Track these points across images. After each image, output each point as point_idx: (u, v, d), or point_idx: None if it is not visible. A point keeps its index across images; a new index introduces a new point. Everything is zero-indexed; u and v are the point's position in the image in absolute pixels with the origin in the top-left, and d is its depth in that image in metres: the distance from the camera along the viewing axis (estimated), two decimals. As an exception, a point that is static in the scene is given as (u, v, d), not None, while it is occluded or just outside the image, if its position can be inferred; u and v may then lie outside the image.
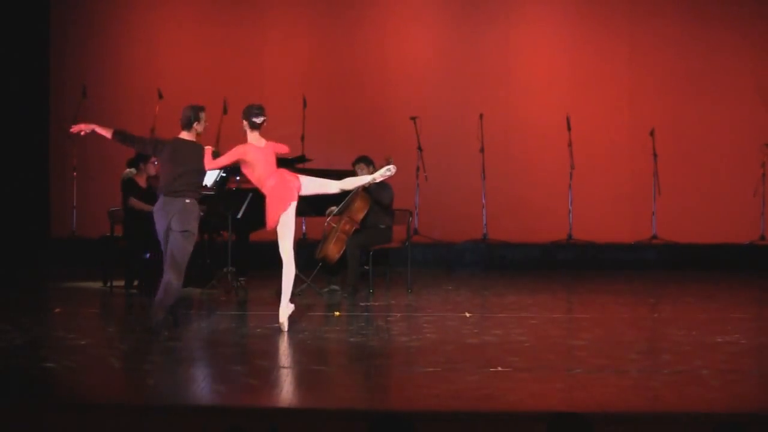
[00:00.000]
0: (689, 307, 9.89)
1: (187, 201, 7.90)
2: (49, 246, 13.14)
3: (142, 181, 10.44)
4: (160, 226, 7.93)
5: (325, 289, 10.34)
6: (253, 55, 13.81)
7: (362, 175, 10.31)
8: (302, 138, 12.95)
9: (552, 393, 6.23)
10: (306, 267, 10.32)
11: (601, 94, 13.70)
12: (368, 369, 7.06)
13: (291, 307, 8.16)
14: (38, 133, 13.51)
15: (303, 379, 6.79)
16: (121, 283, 10.47)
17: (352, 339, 8.00)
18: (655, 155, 13.16)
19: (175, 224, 7.85)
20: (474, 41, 13.81)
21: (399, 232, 10.84)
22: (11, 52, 13.21)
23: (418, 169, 13.14)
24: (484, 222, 13.34)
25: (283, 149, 8.31)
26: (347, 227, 10.03)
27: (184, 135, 8.04)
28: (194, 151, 8.00)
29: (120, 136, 7.97)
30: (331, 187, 8.38)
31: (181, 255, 7.88)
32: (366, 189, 10.13)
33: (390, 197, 10.30)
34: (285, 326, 8.08)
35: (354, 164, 10.42)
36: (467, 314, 9.08)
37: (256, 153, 8.07)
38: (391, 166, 8.37)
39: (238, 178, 10.46)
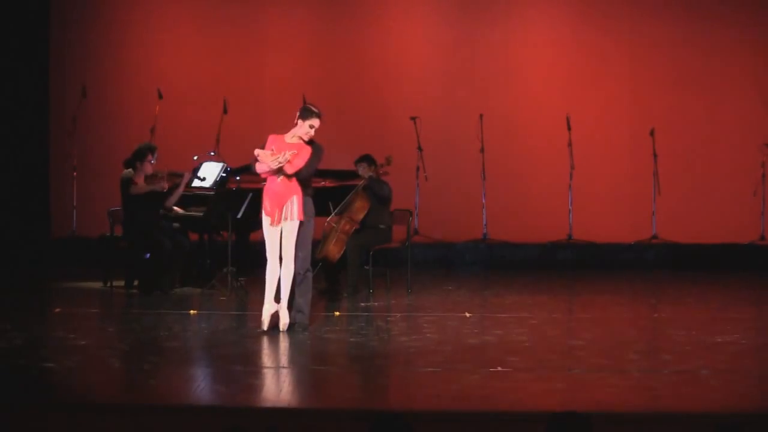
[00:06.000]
0: (689, 307, 9.89)
1: None
2: (49, 246, 13.12)
3: (140, 181, 10.43)
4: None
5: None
6: (253, 55, 13.79)
7: (364, 174, 10.31)
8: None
9: (552, 393, 6.23)
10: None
11: (601, 94, 13.68)
12: (368, 369, 7.07)
13: (276, 307, 8.15)
14: (38, 133, 13.48)
15: (303, 379, 6.80)
16: (121, 283, 10.46)
17: (352, 339, 8.00)
18: (655, 155, 13.15)
19: None
20: (474, 41, 13.80)
21: (399, 232, 10.83)
22: (11, 52, 13.19)
23: (418, 169, 13.13)
24: (484, 222, 13.33)
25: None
26: (347, 227, 10.02)
27: None
28: None
29: None
30: None
31: None
32: (365, 187, 10.12)
33: (388, 191, 10.24)
34: (285, 325, 8.10)
35: (356, 163, 10.41)
36: (467, 314, 9.07)
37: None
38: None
39: (238, 178, 10.45)
